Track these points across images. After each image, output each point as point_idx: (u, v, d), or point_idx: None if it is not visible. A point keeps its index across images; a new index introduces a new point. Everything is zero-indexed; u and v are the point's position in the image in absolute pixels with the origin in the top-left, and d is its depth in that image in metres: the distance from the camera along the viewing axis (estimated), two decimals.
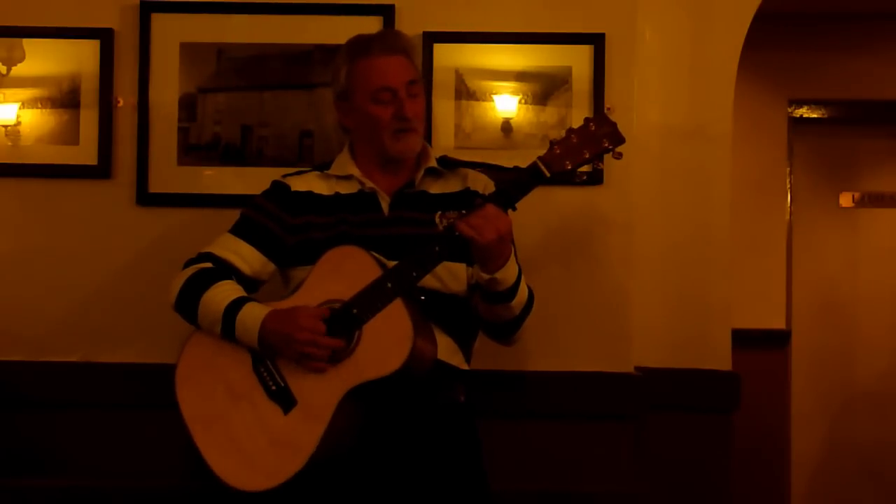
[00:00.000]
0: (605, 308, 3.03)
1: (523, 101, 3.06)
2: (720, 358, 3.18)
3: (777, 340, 5.32)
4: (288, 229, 2.50)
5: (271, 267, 2.52)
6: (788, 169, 5.41)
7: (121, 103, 3.08)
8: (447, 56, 3.03)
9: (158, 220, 3.06)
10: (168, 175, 3.06)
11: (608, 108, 3.04)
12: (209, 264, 2.47)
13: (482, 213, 2.28)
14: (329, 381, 2.29)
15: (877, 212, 5.61)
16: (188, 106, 3.07)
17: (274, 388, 2.34)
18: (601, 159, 2.41)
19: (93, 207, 3.07)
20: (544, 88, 3.06)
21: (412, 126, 2.47)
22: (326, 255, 2.37)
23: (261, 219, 2.52)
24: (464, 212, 2.35)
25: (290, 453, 2.28)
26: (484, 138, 3.03)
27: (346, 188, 2.53)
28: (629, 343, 3.04)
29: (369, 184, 2.51)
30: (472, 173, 2.58)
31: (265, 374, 2.35)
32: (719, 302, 3.19)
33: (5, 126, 3.08)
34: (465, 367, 2.50)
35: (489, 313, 2.44)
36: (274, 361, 2.35)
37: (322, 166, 2.61)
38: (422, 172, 2.53)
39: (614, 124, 2.39)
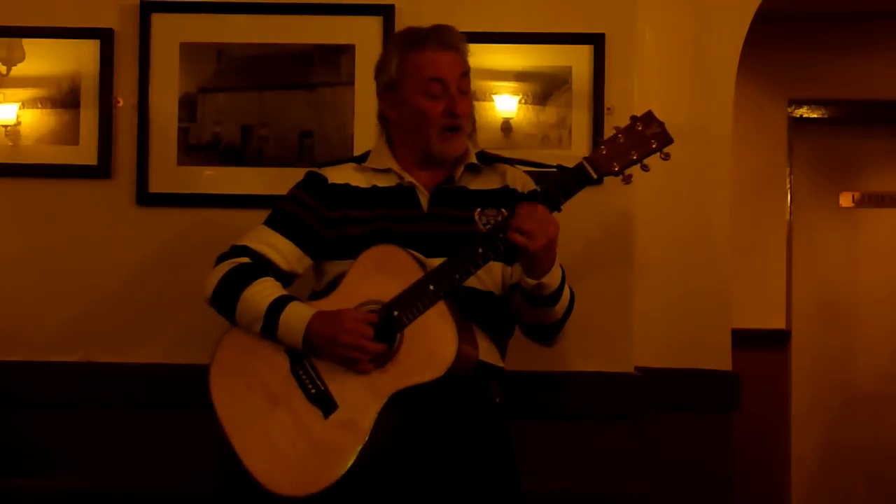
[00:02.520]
0: (606, 308, 3.03)
1: (523, 101, 3.06)
2: (720, 358, 3.19)
3: (777, 340, 5.32)
4: (325, 223, 2.44)
5: (307, 261, 2.46)
6: (788, 169, 5.41)
7: (121, 103, 3.08)
8: None
9: (158, 220, 3.06)
10: (168, 175, 3.06)
11: (608, 109, 3.05)
12: (246, 259, 2.42)
13: (534, 217, 2.22)
14: (371, 386, 2.25)
15: (877, 212, 5.61)
16: (188, 106, 3.07)
17: (314, 391, 2.29)
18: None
19: (93, 207, 3.07)
20: (544, 88, 3.06)
21: (460, 124, 2.41)
22: (366, 253, 2.32)
23: (298, 211, 2.45)
24: (503, 210, 2.31)
25: (332, 459, 2.23)
26: (484, 138, 3.02)
27: (383, 181, 2.47)
28: (629, 343, 3.04)
29: (408, 178, 2.45)
30: (510, 170, 2.52)
31: (304, 376, 2.31)
32: (719, 302, 3.20)
33: (5, 126, 3.08)
34: (500, 364, 2.46)
35: (532, 316, 2.39)
36: (313, 364, 2.31)
37: (358, 158, 2.55)
38: (462, 168, 2.47)
39: (662, 124, 2.31)
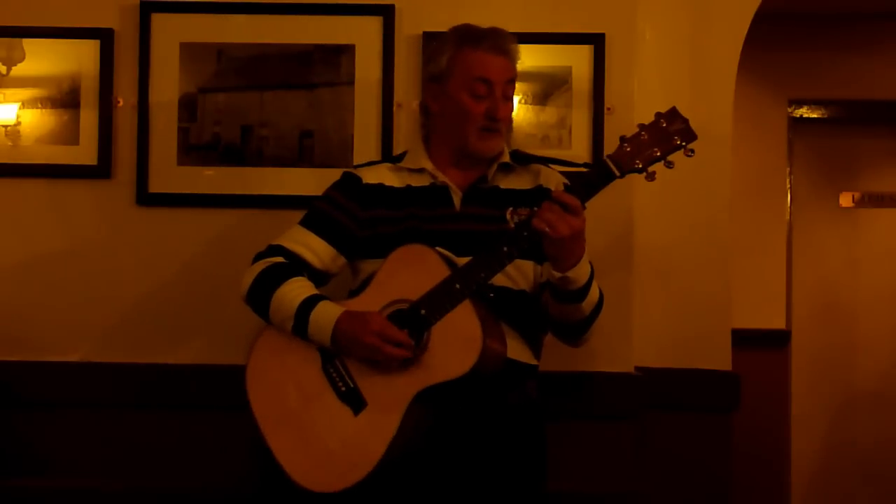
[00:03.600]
0: (606, 308, 3.01)
1: (523, 101, 3.06)
2: (720, 358, 3.18)
3: (777, 340, 5.32)
4: (358, 222, 2.49)
5: (342, 260, 2.51)
6: (788, 169, 5.41)
7: (121, 103, 3.08)
8: None
9: (158, 220, 3.06)
10: (168, 175, 3.06)
11: (608, 109, 3.05)
12: (280, 258, 2.46)
13: (556, 207, 2.24)
14: (399, 383, 2.28)
15: (877, 212, 5.61)
16: (188, 106, 3.07)
17: (344, 389, 2.33)
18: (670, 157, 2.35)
19: (93, 207, 3.07)
20: (544, 88, 3.06)
21: (499, 128, 2.46)
22: (395, 253, 2.36)
23: (332, 211, 2.51)
24: (535, 209, 2.31)
25: (361, 456, 2.27)
26: None
27: (417, 181, 2.51)
28: (629, 343, 3.03)
29: (441, 178, 2.49)
30: (544, 170, 2.56)
31: (335, 374, 2.35)
32: (719, 302, 3.19)
33: (5, 126, 3.08)
34: (534, 362, 2.49)
35: (559, 313, 2.41)
36: (343, 362, 2.35)
37: (394, 158, 2.61)
38: (495, 167, 2.51)
39: (686, 120, 2.33)
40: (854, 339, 5.56)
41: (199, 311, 3.04)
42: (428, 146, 2.54)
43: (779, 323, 5.35)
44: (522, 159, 2.54)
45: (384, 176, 2.53)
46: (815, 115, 5.44)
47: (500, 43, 2.48)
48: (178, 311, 3.05)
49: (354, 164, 3.02)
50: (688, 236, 3.18)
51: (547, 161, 2.56)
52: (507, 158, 2.53)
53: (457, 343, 2.25)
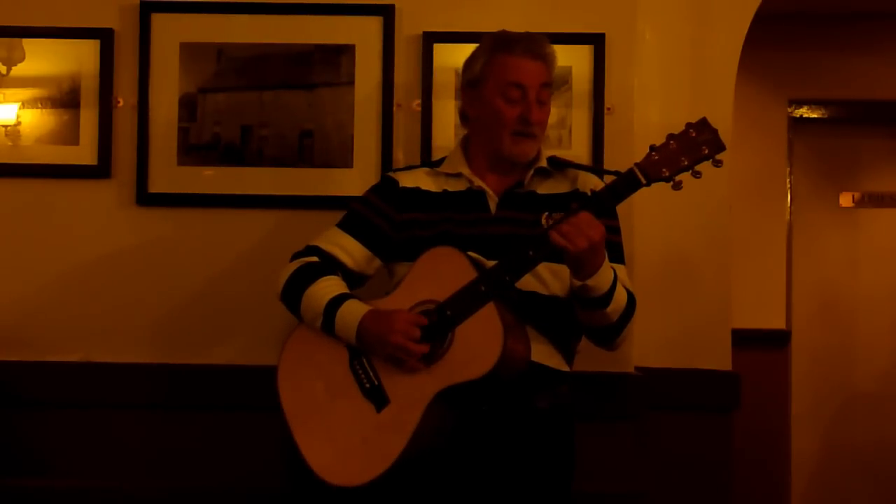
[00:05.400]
0: None
1: None
2: (720, 358, 3.18)
3: (777, 340, 5.32)
4: (394, 225, 2.52)
5: (377, 262, 2.55)
6: (788, 169, 5.41)
7: (121, 103, 3.08)
8: (447, 56, 3.03)
9: (158, 220, 3.07)
10: (168, 175, 3.06)
11: (608, 109, 3.05)
12: (315, 258, 2.50)
13: (574, 220, 2.26)
14: (421, 382, 2.31)
15: (877, 212, 5.60)
16: (188, 106, 3.07)
17: (368, 386, 2.37)
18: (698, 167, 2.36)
19: (93, 207, 3.07)
20: None
21: (533, 132, 2.47)
22: (424, 255, 2.39)
23: (368, 214, 2.55)
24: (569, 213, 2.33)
25: (380, 452, 2.30)
26: None
27: (454, 186, 2.54)
28: (629, 343, 3.03)
29: (478, 182, 2.52)
30: (582, 174, 2.56)
31: (360, 372, 2.38)
32: (719, 302, 3.19)
33: (5, 126, 3.08)
34: (564, 368, 2.49)
35: (586, 318, 2.43)
36: (370, 360, 2.39)
37: (433, 163, 2.64)
38: (531, 172, 2.53)
39: (715, 131, 2.34)
40: (854, 339, 5.55)
41: (199, 310, 3.05)
42: (466, 151, 2.56)
43: (779, 323, 5.35)
44: (559, 165, 2.56)
45: (421, 180, 2.56)
46: (815, 115, 5.43)
47: (534, 47, 2.49)
48: (177, 311, 3.05)
49: (353, 164, 3.03)
50: (688, 236, 3.18)
51: (582, 168, 2.58)
52: (544, 163, 2.54)
53: (479, 344, 2.27)
